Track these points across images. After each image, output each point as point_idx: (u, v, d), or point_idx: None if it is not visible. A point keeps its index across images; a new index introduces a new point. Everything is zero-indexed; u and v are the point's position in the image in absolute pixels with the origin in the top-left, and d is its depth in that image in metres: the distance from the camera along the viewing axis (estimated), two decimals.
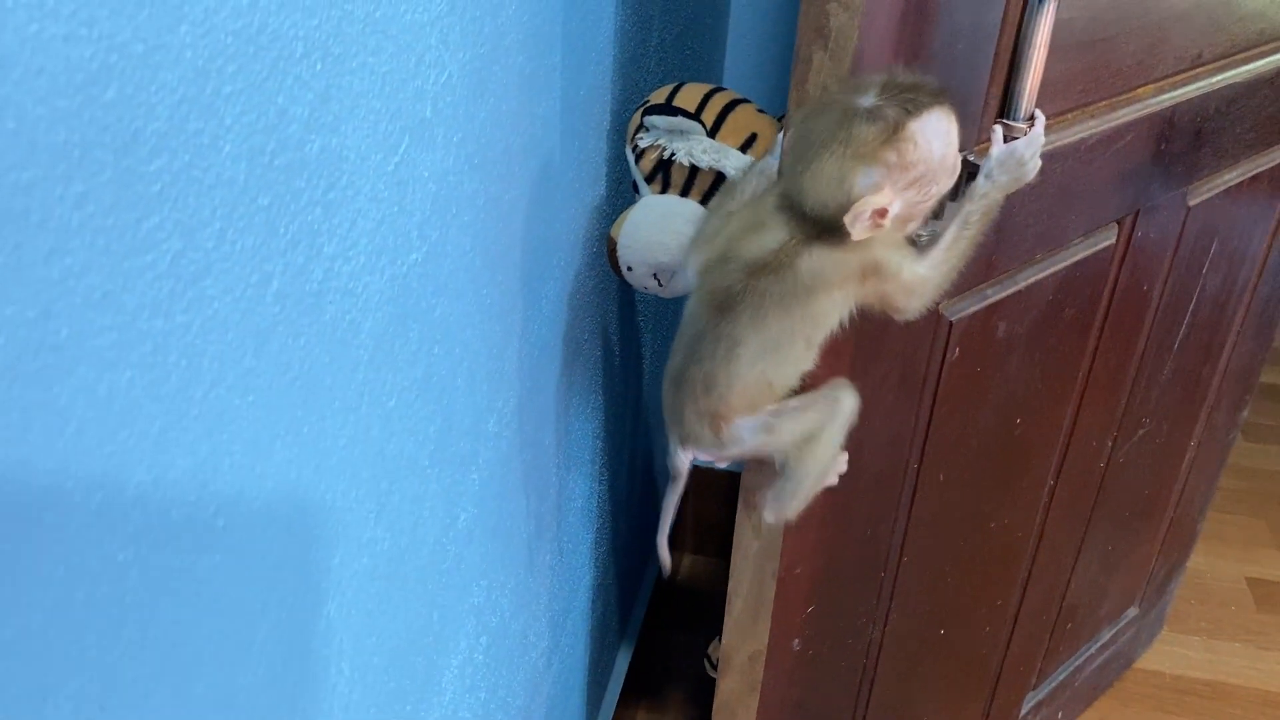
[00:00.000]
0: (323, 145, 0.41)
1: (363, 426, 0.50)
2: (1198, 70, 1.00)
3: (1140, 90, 0.95)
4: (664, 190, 0.88)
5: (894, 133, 0.61)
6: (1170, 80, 0.98)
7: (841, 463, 0.79)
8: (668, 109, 0.86)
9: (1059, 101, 0.86)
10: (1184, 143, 1.02)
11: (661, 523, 0.86)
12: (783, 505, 0.77)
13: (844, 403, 0.73)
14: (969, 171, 0.71)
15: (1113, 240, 1.03)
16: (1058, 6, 0.68)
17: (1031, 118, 0.72)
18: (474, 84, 0.57)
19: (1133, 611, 1.63)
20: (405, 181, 0.50)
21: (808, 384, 0.74)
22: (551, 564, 0.96)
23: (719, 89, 0.89)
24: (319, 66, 0.40)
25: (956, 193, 0.71)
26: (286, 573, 0.45)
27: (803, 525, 0.86)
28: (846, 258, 0.66)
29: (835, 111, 0.62)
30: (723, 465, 0.79)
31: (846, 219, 0.62)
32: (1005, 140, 0.71)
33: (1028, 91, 0.70)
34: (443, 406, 0.60)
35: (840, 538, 0.91)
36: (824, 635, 0.97)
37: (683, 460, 0.80)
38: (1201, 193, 1.12)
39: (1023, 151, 0.70)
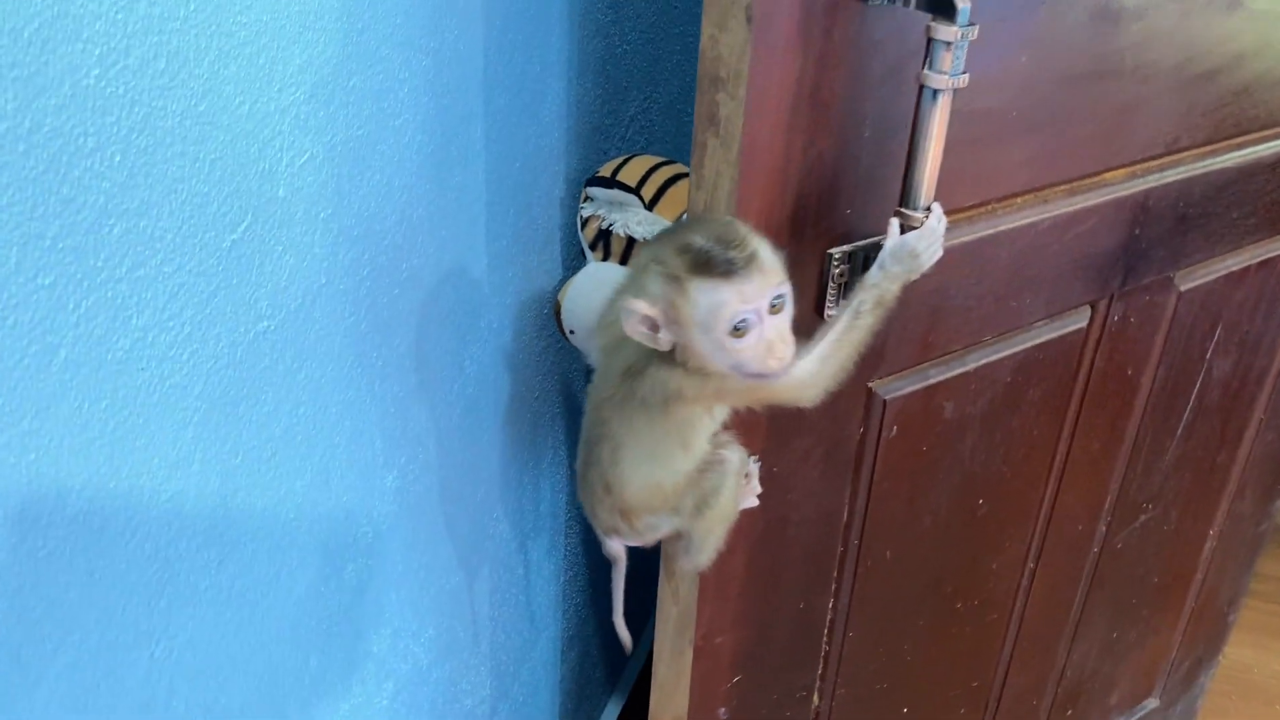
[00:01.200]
0: (126, 228, 0.45)
1: (196, 481, 0.53)
2: (1178, 155, 0.98)
3: (1107, 175, 0.94)
4: (605, 258, 0.90)
5: (674, 274, 0.62)
6: (1143, 165, 0.96)
7: (751, 493, 0.79)
8: (609, 181, 0.88)
9: (1001, 186, 0.86)
10: (1163, 227, 1.00)
11: (614, 604, 0.88)
12: (694, 557, 0.78)
13: (730, 462, 0.74)
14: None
15: (1084, 324, 1.01)
16: (951, 101, 0.69)
17: (930, 209, 0.72)
18: (350, 162, 0.61)
19: (1152, 703, 1.57)
20: (248, 256, 0.53)
21: None
22: (493, 614, 0.98)
23: (668, 162, 0.92)
24: (117, 159, 0.44)
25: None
26: (106, 612, 0.49)
27: (721, 595, 0.87)
28: (694, 375, 0.66)
29: (681, 233, 0.63)
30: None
31: (622, 311, 0.63)
32: (902, 231, 0.71)
33: (924, 183, 0.70)
34: (313, 463, 0.63)
35: (767, 610, 0.92)
36: (755, 705, 0.97)
37: (613, 546, 0.82)
38: (1195, 277, 1.09)
39: (915, 244, 0.70)
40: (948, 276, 0.85)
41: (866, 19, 0.68)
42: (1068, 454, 1.10)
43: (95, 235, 0.44)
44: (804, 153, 0.71)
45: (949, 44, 0.65)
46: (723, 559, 0.83)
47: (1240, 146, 1.03)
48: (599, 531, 0.80)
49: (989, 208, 0.87)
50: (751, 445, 0.80)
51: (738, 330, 0.62)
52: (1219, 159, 1.02)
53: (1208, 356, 1.19)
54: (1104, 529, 1.23)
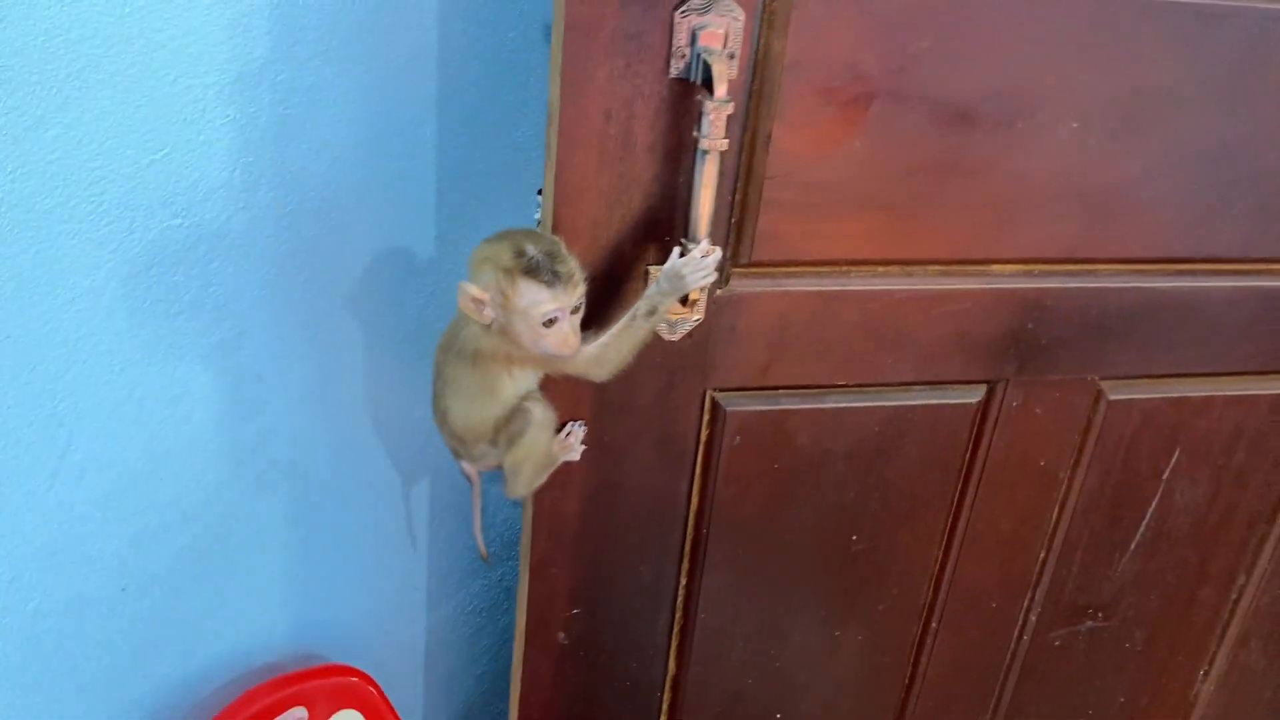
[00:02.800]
0: (58, 133, 0.76)
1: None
2: (1084, 265, 1.06)
3: (994, 265, 1.04)
4: None
5: (510, 271, 0.84)
6: (1040, 265, 1.05)
7: (574, 443, 0.99)
8: None
9: (845, 250, 1.00)
10: (1070, 330, 1.07)
11: (474, 518, 1.12)
12: (511, 485, 1.00)
13: (533, 413, 0.95)
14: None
15: (976, 399, 1.11)
16: (719, 160, 0.86)
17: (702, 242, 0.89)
18: (275, 129, 0.90)
19: None
20: (166, 172, 0.83)
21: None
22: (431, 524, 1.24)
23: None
24: (54, 90, 0.75)
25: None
26: None
27: (555, 531, 1.07)
28: (495, 342, 0.89)
29: (516, 240, 0.87)
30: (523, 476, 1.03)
31: (459, 290, 0.86)
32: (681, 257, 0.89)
33: (699, 221, 0.88)
34: (222, 331, 0.93)
35: (607, 563, 1.10)
36: (597, 643, 1.15)
37: (465, 468, 1.06)
38: (1130, 391, 1.14)
39: (681, 268, 0.88)
40: (784, 316, 1.00)
41: (666, 88, 0.87)
42: (967, 524, 1.18)
43: (36, 132, 0.75)
44: (618, 186, 0.91)
45: (709, 115, 0.84)
46: (556, 499, 1.05)
47: (1167, 274, 1.08)
48: (451, 454, 1.04)
49: (840, 267, 1.01)
50: (575, 410, 1.01)
51: (549, 323, 0.85)
52: (1137, 280, 1.07)
53: (1164, 477, 1.21)
54: (1033, 619, 1.28)
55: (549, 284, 0.84)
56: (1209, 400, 1.17)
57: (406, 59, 0.96)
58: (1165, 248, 1.06)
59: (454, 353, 0.94)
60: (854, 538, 1.16)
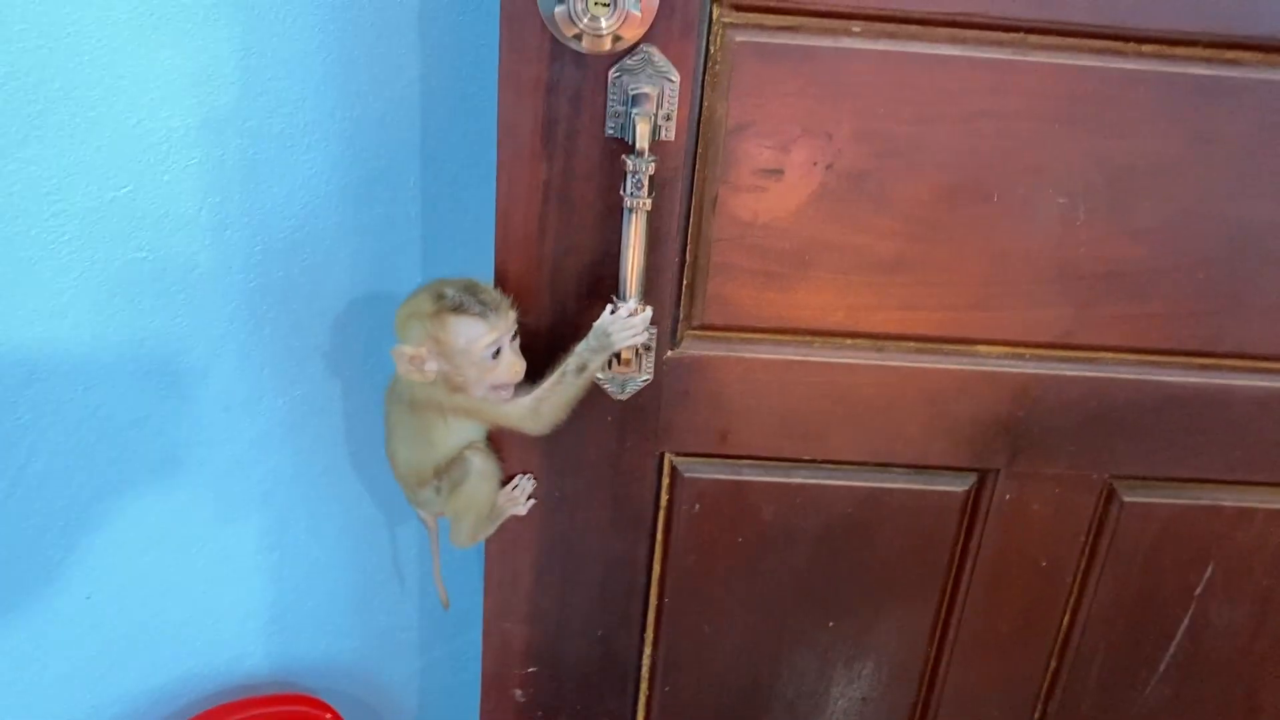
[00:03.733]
0: (22, 163, 0.83)
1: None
2: (1077, 351, 0.98)
3: (979, 347, 0.98)
4: None
5: (438, 315, 0.85)
6: (1029, 349, 0.98)
7: (520, 497, 0.99)
8: None
9: (807, 320, 0.96)
10: (1068, 421, 1.00)
11: (434, 564, 1.13)
12: (455, 535, 1.01)
13: (472, 463, 0.95)
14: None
15: (964, 488, 1.04)
16: (645, 219, 0.84)
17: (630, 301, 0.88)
18: (243, 172, 0.94)
19: None
20: (130, 207, 0.89)
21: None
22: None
23: None
24: (14, 128, 0.81)
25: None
26: None
27: (511, 585, 1.07)
28: (428, 390, 0.90)
29: (433, 288, 0.88)
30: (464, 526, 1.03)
31: (394, 355, 0.88)
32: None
33: (629, 279, 0.86)
34: (191, 359, 0.98)
35: (562, 625, 1.08)
36: (555, 706, 1.14)
37: (421, 514, 1.07)
38: (1146, 494, 1.04)
39: (608, 326, 0.87)
40: (741, 382, 0.97)
41: (602, 148, 0.87)
42: (960, 622, 1.10)
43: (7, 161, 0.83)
44: (560, 244, 0.91)
45: (630, 173, 0.83)
46: (509, 554, 1.04)
47: (1183, 368, 0.99)
48: (410, 501, 1.05)
49: (801, 336, 0.97)
50: (525, 463, 1.00)
51: (495, 355, 0.87)
52: (1147, 372, 0.99)
53: (1195, 594, 1.10)
54: None
55: (481, 315, 0.85)
56: (1246, 512, 1.05)
57: (387, 110, 0.99)
58: (1178, 339, 0.97)
59: (395, 398, 0.95)
60: (830, 624, 1.10)
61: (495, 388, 0.89)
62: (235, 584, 1.11)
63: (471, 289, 0.86)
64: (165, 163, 0.90)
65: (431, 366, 0.87)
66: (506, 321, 0.87)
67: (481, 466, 0.95)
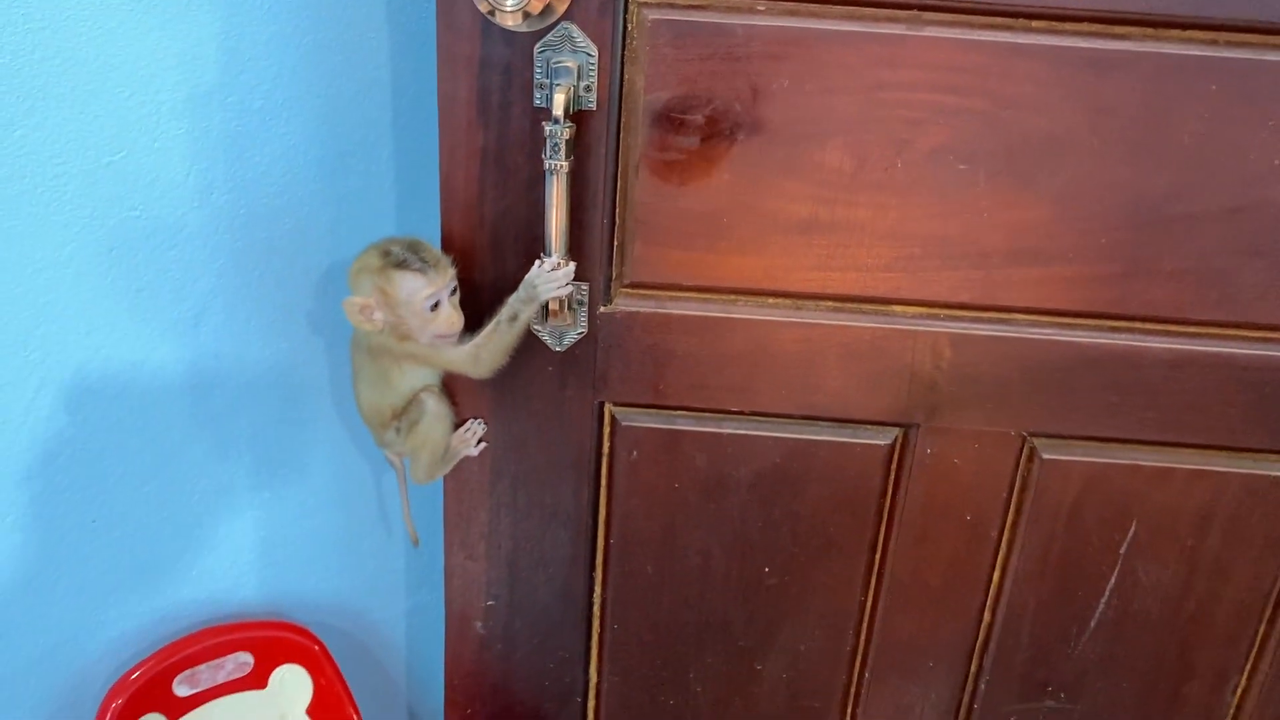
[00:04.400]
0: (24, 133, 0.96)
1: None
2: (990, 312, 1.04)
3: (895, 307, 1.05)
4: None
5: (383, 270, 0.96)
6: (945, 310, 1.04)
7: (471, 439, 1.09)
8: None
9: (730, 280, 1.04)
10: (987, 380, 1.05)
11: (402, 503, 1.24)
12: (413, 471, 1.11)
13: (426, 404, 1.05)
14: None
15: (885, 443, 1.10)
16: (565, 180, 0.93)
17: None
18: (226, 143, 1.06)
19: None
20: (123, 171, 1.01)
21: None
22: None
23: None
24: (14, 97, 0.94)
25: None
26: None
27: (465, 521, 1.16)
28: (383, 339, 1.00)
29: (381, 246, 0.98)
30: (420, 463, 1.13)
31: (345, 306, 0.98)
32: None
33: (552, 236, 0.95)
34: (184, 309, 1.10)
35: (515, 563, 1.18)
36: (514, 650, 1.23)
37: (388, 455, 1.18)
38: (1071, 451, 1.09)
39: (534, 279, 0.96)
40: (670, 337, 1.05)
41: (531, 118, 0.96)
42: (891, 572, 1.16)
43: (4, 132, 0.95)
44: (497, 206, 1.00)
45: (550, 139, 0.92)
46: (464, 493, 1.14)
47: (1095, 329, 1.04)
48: (376, 442, 1.15)
49: (724, 295, 1.05)
50: (475, 408, 1.10)
51: (433, 308, 0.97)
52: (1060, 332, 1.04)
53: (1120, 552, 1.15)
54: (982, 687, 1.24)
55: (421, 271, 0.95)
56: (1165, 472, 1.10)
57: (360, 88, 1.10)
58: (1086, 301, 1.02)
59: (357, 346, 1.06)
60: (766, 569, 1.17)
61: (437, 337, 0.98)
62: (229, 519, 1.22)
63: (414, 247, 0.97)
64: (155, 132, 1.01)
65: (379, 316, 0.98)
66: (445, 277, 0.97)
67: (435, 408, 1.05)
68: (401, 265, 0.95)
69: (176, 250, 1.07)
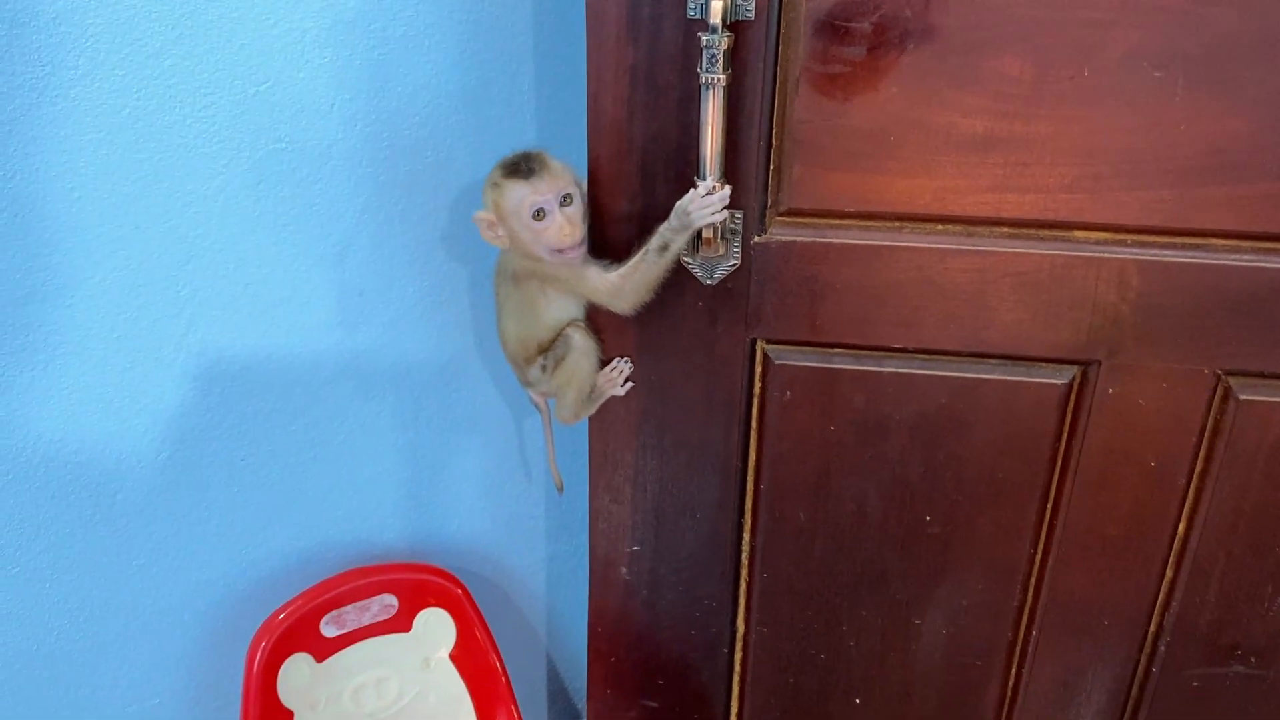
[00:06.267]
0: (174, 62, 0.95)
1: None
2: (1183, 238, 0.95)
3: (1076, 232, 0.97)
4: None
5: (496, 180, 0.94)
6: (1133, 235, 0.96)
7: (618, 378, 1.05)
8: None
9: (896, 205, 0.97)
10: (1179, 313, 0.96)
11: (548, 448, 1.21)
12: (559, 410, 1.08)
13: (573, 339, 1.02)
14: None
15: (1063, 381, 1.02)
16: (722, 95, 0.87)
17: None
18: (370, 69, 1.04)
19: None
20: (269, 101, 1.00)
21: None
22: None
23: None
24: (160, 39, 0.93)
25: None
26: None
27: (612, 463, 1.13)
28: (523, 261, 0.97)
29: (504, 159, 0.95)
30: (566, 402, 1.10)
31: (474, 221, 0.95)
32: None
33: (706, 159, 0.90)
34: (331, 242, 1.09)
35: (661, 508, 1.14)
36: (659, 586, 1.19)
37: (533, 396, 1.15)
38: (1269, 392, 1.00)
39: (686, 205, 0.91)
40: (829, 268, 0.99)
41: (684, 30, 0.91)
42: (1064, 522, 1.09)
43: (155, 61, 0.94)
44: (646, 128, 0.95)
45: (705, 48, 0.87)
46: (609, 435, 1.11)
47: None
48: (521, 384, 1.13)
49: (889, 221, 0.98)
50: (621, 347, 1.06)
51: (537, 215, 0.94)
52: (1266, 259, 0.94)
53: None
54: (1161, 649, 1.15)
55: (524, 177, 0.93)
56: None
57: (502, 14, 1.06)
58: None
59: (501, 275, 1.03)
60: (927, 518, 1.10)
61: (554, 252, 0.95)
62: (373, 460, 1.22)
63: (527, 156, 0.94)
64: (299, 61, 1.00)
65: (501, 232, 0.95)
66: (552, 185, 0.93)
67: (581, 343, 1.02)
68: (509, 173, 0.94)
69: (321, 184, 1.06)
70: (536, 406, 1.15)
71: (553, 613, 1.43)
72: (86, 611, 1.12)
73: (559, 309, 1.01)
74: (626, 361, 1.05)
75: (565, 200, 0.94)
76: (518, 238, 0.95)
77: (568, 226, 0.94)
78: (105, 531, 1.10)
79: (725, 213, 0.92)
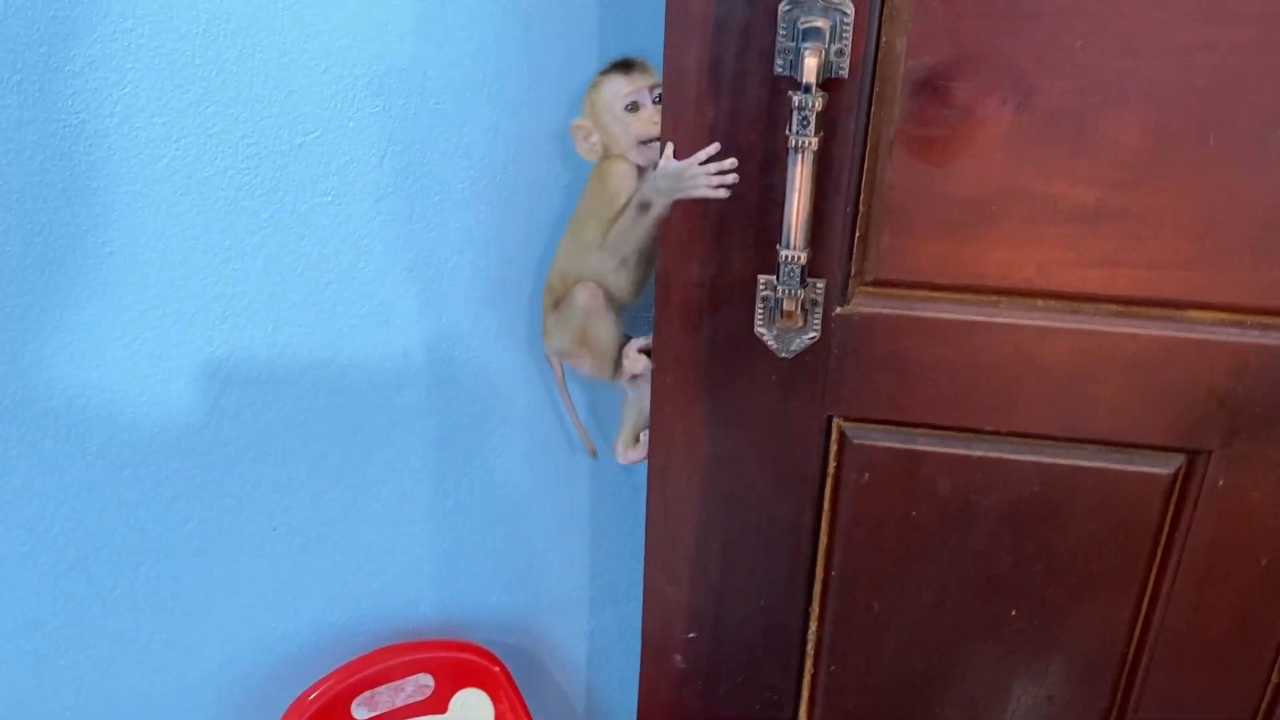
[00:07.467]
0: (216, 110, 0.88)
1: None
2: None
3: (1190, 312, 0.89)
4: None
5: (597, 81, 0.95)
6: (1255, 316, 0.88)
7: (633, 353, 1.01)
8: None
9: (1012, 278, 0.89)
10: None
11: (566, 407, 1.14)
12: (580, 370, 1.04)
13: (578, 295, 0.98)
14: None
15: (1167, 471, 0.94)
16: (812, 160, 0.80)
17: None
18: (403, 94, 0.97)
19: None
20: (315, 154, 0.93)
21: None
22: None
23: None
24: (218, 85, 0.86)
25: None
26: None
27: (669, 542, 1.05)
28: (596, 195, 0.96)
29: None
30: (584, 372, 1.05)
31: (571, 131, 0.95)
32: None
33: (792, 226, 0.82)
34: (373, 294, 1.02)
35: (723, 592, 1.06)
36: (714, 674, 1.11)
37: (548, 353, 1.09)
38: None
39: (681, 170, 0.84)
40: (917, 344, 0.92)
41: (770, 86, 0.84)
42: (1162, 620, 1.00)
43: (197, 109, 0.88)
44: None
45: (799, 110, 0.80)
46: (669, 512, 1.03)
47: None
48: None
49: (985, 295, 0.90)
50: (686, 417, 0.98)
51: (630, 108, 0.93)
52: None
53: None
54: None
55: (624, 70, 0.94)
56: None
57: (563, 65, 1.00)
58: None
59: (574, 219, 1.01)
60: (1013, 612, 1.02)
61: (640, 143, 0.94)
62: (409, 530, 1.14)
63: (627, 58, 0.95)
64: (349, 110, 0.93)
65: (595, 140, 0.95)
66: (647, 80, 0.94)
67: (584, 301, 0.98)
68: (608, 70, 0.95)
69: (368, 240, 0.99)
70: (550, 364, 1.10)
71: (592, 691, 1.35)
72: (104, 690, 1.05)
73: (596, 261, 0.97)
74: (642, 339, 1.01)
75: (656, 98, 0.94)
76: (609, 132, 0.95)
77: (656, 115, 0.92)
78: (126, 604, 1.03)
79: (724, 190, 0.85)
